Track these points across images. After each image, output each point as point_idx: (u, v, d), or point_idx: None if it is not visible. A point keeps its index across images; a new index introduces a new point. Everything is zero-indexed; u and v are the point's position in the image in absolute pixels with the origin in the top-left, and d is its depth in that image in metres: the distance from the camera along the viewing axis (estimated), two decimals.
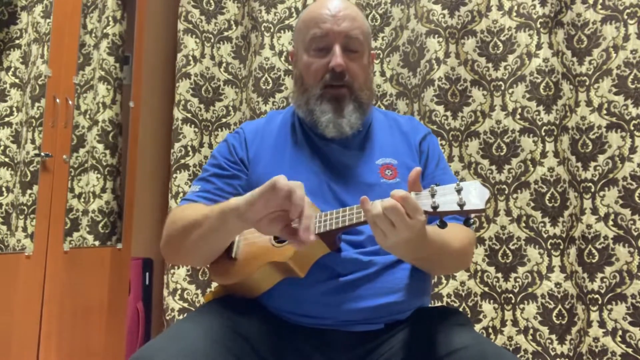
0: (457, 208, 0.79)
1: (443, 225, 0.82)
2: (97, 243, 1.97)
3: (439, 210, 0.81)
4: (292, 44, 2.16)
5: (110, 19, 2.04)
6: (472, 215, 0.83)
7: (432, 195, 0.82)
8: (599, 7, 1.82)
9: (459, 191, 0.80)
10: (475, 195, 0.79)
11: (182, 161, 2.14)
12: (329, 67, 1.08)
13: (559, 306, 1.72)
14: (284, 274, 0.99)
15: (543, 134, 1.81)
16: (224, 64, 2.23)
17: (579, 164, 1.81)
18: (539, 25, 1.84)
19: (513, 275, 1.81)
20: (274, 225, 0.86)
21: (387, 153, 1.13)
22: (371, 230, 0.85)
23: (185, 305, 2.07)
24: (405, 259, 1.01)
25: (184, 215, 1.03)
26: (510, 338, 1.79)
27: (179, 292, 2.08)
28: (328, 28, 1.09)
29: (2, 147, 1.77)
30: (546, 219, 1.78)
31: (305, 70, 1.12)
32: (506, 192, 1.85)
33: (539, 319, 1.74)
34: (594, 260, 1.76)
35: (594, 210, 1.77)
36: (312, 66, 1.11)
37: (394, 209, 0.81)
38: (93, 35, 2.01)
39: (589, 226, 1.77)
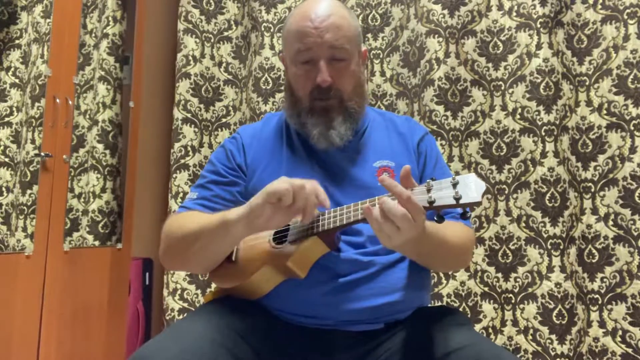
0: (454, 202, 0.79)
1: (440, 220, 0.82)
2: (97, 243, 1.96)
3: (435, 205, 0.81)
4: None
5: (110, 19, 2.04)
6: (469, 208, 0.83)
7: (428, 191, 0.82)
8: (599, 7, 1.82)
9: (454, 185, 0.80)
10: (471, 188, 0.79)
11: (182, 161, 2.14)
12: (315, 83, 1.07)
13: (559, 306, 1.72)
14: (284, 276, 0.99)
15: (543, 134, 1.81)
16: (224, 64, 2.23)
17: (579, 164, 1.81)
18: (539, 25, 1.84)
19: (513, 275, 1.81)
20: (280, 216, 0.91)
21: (384, 155, 1.12)
22: (375, 234, 0.86)
23: (185, 305, 2.07)
24: (407, 255, 1.01)
25: (182, 225, 1.03)
26: (510, 338, 1.79)
27: (179, 292, 2.08)
28: (311, 42, 1.06)
29: (2, 147, 1.77)
30: (546, 219, 1.78)
31: (294, 82, 1.12)
32: (506, 192, 1.85)
33: (539, 319, 1.74)
34: (594, 260, 1.76)
35: (594, 210, 1.77)
36: (299, 79, 1.10)
37: (402, 216, 0.81)
38: (93, 35, 2.01)
39: (589, 226, 1.77)
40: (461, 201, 0.78)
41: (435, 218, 0.82)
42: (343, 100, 1.09)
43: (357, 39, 1.14)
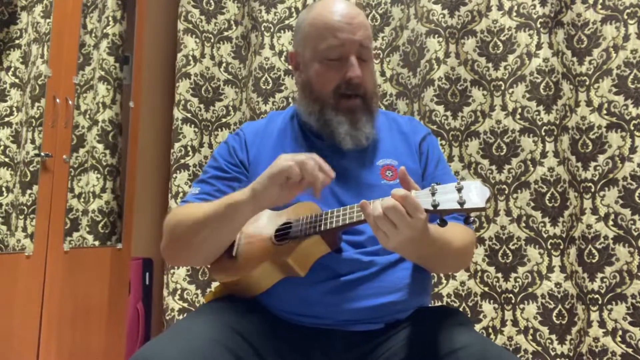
0: (458, 206, 0.79)
1: (443, 223, 0.82)
2: (97, 243, 1.96)
3: (439, 208, 0.81)
4: (292, 44, 2.16)
5: (110, 19, 2.04)
6: (472, 214, 0.83)
7: (433, 194, 0.82)
8: (599, 7, 1.82)
9: (459, 190, 0.80)
10: (475, 194, 0.79)
11: (182, 161, 2.14)
12: (345, 77, 1.07)
13: (559, 306, 1.72)
14: (284, 273, 0.99)
15: (543, 134, 1.81)
16: (224, 64, 2.23)
17: (579, 164, 1.81)
18: (539, 25, 1.84)
19: (513, 275, 1.81)
20: (287, 193, 0.93)
21: (388, 154, 1.13)
22: (373, 232, 0.86)
23: (185, 305, 2.07)
24: (408, 258, 1.01)
25: (187, 215, 1.03)
26: (510, 338, 1.79)
27: (178, 292, 2.08)
28: (345, 38, 1.07)
29: (2, 147, 1.77)
30: (546, 219, 1.78)
31: (317, 79, 1.10)
32: (506, 192, 1.85)
33: (539, 319, 1.74)
34: (594, 260, 1.76)
35: (594, 210, 1.77)
36: (326, 75, 1.09)
37: (395, 208, 0.81)
38: (93, 35, 2.01)
39: (589, 226, 1.77)
40: (465, 206, 0.79)
41: (438, 222, 0.82)
42: (366, 99, 1.10)
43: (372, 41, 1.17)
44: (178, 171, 2.13)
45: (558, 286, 1.73)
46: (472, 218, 0.83)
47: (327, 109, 1.09)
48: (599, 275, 1.74)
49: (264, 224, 1.05)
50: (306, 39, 1.13)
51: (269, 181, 0.92)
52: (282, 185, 0.91)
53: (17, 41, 1.82)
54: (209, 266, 1.09)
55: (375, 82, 1.17)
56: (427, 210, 0.82)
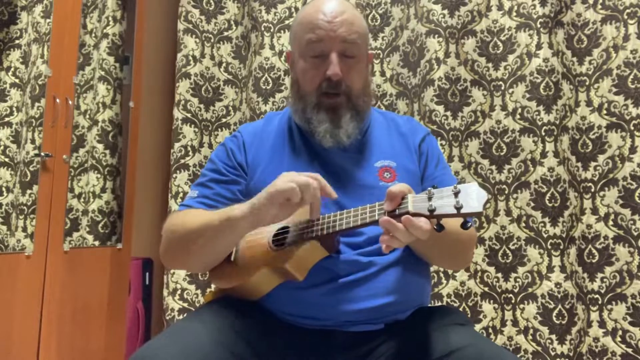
0: (454, 211, 0.77)
1: (440, 228, 0.81)
2: (97, 243, 1.96)
3: (436, 213, 0.79)
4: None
5: (110, 19, 2.04)
6: (470, 218, 0.82)
7: (429, 198, 0.81)
8: (599, 7, 1.82)
9: (456, 194, 0.79)
10: (473, 197, 0.77)
11: (182, 161, 2.14)
12: (325, 76, 1.06)
13: (559, 306, 1.72)
14: (282, 278, 0.98)
15: (543, 134, 1.81)
16: (224, 64, 2.23)
17: (579, 164, 1.81)
18: (539, 25, 1.84)
19: (513, 275, 1.81)
20: (287, 212, 0.92)
21: (386, 155, 1.12)
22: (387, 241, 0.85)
23: (185, 305, 2.07)
24: (412, 246, 1.02)
25: (185, 222, 1.03)
26: (510, 338, 1.79)
27: (178, 292, 2.08)
28: (323, 34, 1.06)
29: (2, 147, 1.77)
30: (546, 219, 1.78)
31: (302, 77, 1.11)
32: (506, 192, 1.85)
33: (539, 319, 1.74)
34: (594, 260, 1.76)
35: (594, 210, 1.77)
36: (308, 73, 1.09)
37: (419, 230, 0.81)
38: (93, 35, 2.01)
39: (589, 226, 1.77)
40: (462, 210, 0.77)
41: (435, 227, 0.81)
42: (351, 97, 1.09)
43: (367, 39, 1.15)
44: (178, 171, 2.13)
45: (558, 286, 1.73)
46: (470, 223, 0.81)
47: (308, 107, 1.09)
48: (599, 275, 1.74)
49: (261, 228, 1.05)
50: (294, 38, 1.14)
51: (269, 200, 0.91)
52: (281, 205, 0.91)
53: (17, 41, 1.82)
54: (208, 271, 1.08)
55: (366, 79, 1.14)
56: (423, 216, 0.82)
